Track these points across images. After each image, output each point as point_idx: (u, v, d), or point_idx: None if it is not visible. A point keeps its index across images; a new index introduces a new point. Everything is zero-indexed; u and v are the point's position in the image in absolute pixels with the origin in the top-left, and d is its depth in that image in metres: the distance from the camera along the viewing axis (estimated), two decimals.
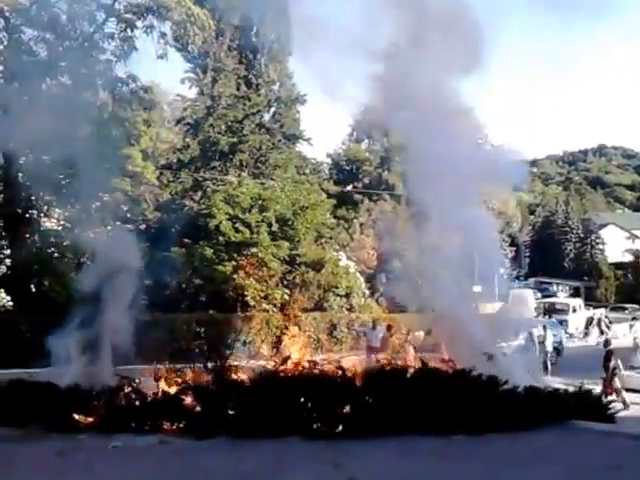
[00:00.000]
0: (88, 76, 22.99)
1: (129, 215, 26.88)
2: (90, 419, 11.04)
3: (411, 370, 12.15)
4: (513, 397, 11.14)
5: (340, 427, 10.27)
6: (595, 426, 11.19)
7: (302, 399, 10.59)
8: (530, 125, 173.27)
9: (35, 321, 20.74)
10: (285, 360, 13.45)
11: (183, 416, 10.92)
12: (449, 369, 12.80)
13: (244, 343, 24.50)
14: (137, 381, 12.56)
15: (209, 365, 12.52)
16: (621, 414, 12.89)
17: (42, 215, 23.62)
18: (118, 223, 27.18)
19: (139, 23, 23.03)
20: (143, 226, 26.51)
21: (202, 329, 24.72)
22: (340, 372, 11.92)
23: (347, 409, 10.65)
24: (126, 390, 11.77)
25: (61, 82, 23.22)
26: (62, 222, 24.02)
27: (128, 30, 22.92)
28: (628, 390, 17.80)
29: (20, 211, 22.65)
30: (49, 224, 23.99)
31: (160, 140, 31.25)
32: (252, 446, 9.53)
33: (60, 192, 22.31)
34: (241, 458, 8.99)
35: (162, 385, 12.26)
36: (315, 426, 10.31)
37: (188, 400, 11.21)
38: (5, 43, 21.77)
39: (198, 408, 10.98)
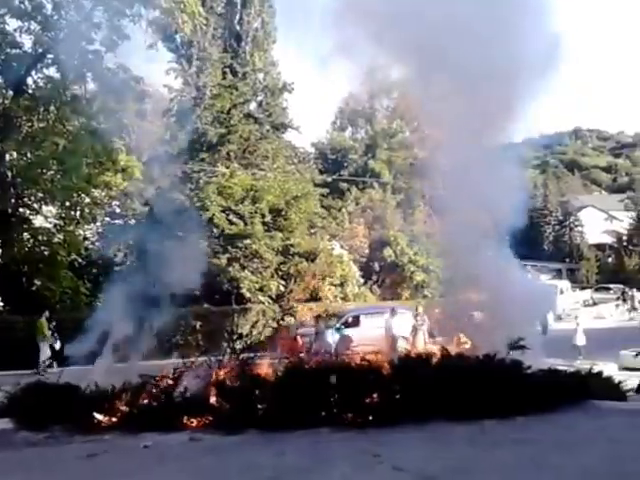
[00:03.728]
0: (76, 67, 22.45)
1: (119, 210, 26.41)
2: (113, 419, 10.76)
3: (436, 357, 12.03)
4: (535, 380, 10.86)
5: (370, 417, 10.00)
6: (615, 405, 11.10)
7: (329, 390, 10.27)
8: None
9: (29, 320, 20.40)
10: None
11: (210, 413, 10.57)
12: (471, 354, 12.69)
13: (241, 336, 24.19)
14: (157, 378, 12.37)
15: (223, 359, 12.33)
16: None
17: (32, 213, 23.06)
18: (107, 219, 26.80)
19: (127, 11, 22.34)
20: (133, 221, 25.96)
21: (198, 322, 24.54)
22: (365, 362, 11.75)
23: (375, 398, 10.32)
24: (149, 388, 11.40)
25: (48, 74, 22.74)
26: (52, 220, 23.48)
27: (115, 19, 22.30)
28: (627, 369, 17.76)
29: (10, 210, 22.10)
30: (38, 222, 23.39)
31: (142, 132, 30.52)
32: (285, 439, 9.29)
33: (50, 189, 21.89)
34: (278, 452, 8.66)
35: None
36: (344, 417, 10.04)
37: (213, 396, 10.83)
38: None
39: (224, 404, 10.60)
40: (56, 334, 18.96)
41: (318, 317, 22.77)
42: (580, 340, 21.31)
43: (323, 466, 7.99)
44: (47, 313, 19.53)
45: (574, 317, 30.75)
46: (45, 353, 18.14)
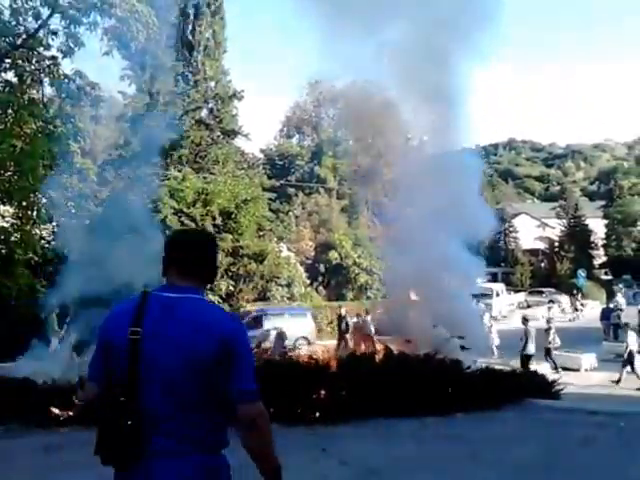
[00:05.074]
0: (34, 72, 23.05)
1: (74, 211, 26.91)
2: (70, 413, 10.59)
3: (380, 356, 12.81)
4: (474, 379, 11.72)
5: (317, 413, 10.34)
6: (549, 403, 11.85)
7: (279, 387, 10.30)
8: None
9: None
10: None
11: None
12: (412, 352, 13.46)
13: None
14: None
15: None
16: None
17: None
18: (63, 219, 27.26)
19: (84, 19, 22.98)
20: (87, 221, 26.52)
21: None
22: (313, 361, 12.09)
23: (322, 395, 10.69)
24: None
25: (6, 78, 23.17)
26: (10, 219, 23.81)
27: (72, 27, 22.91)
28: (565, 369, 18.74)
29: None
30: None
31: (97, 136, 31.15)
32: (234, 434, 9.68)
33: (8, 189, 22.26)
34: (229, 448, 9.20)
35: None
36: (293, 412, 10.22)
37: None
38: None
39: None
40: (69, 328, 19.18)
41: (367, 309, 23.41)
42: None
43: None
44: (57, 310, 19.71)
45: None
46: (54, 345, 18.41)
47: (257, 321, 23.86)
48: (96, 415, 2.66)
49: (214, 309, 2.84)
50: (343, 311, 24.25)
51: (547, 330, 20.06)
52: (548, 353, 19.70)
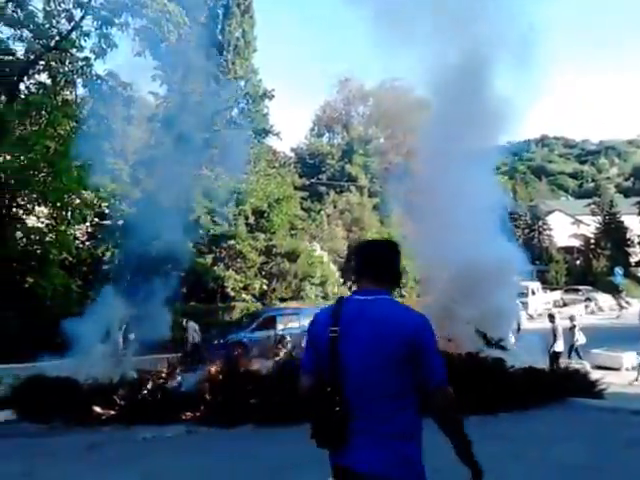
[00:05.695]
0: (67, 74, 23.25)
1: (107, 211, 27.11)
2: (111, 412, 11.07)
3: None
4: (516, 377, 11.56)
5: None
6: (593, 402, 11.60)
7: None
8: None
9: (22, 316, 21.06)
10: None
11: (204, 406, 11.03)
12: (454, 351, 13.19)
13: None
14: (153, 373, 12.83)
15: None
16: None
17: (26, 213, 23.65)
18: (97, 219, 27.49)
19: (116, 20, 23.14)
20: (121, 221, 26.66)
21: (184, 319, 25.31)
22: None
23: None
24: (147, 383, 11.91)
25: (40, 80, 23.42)
26: (44, 220, 24.07)
27: (104, 28, 23.06)
28: (605, 368, 18.13)
29: (4, 210, 22.70)
30: (31, 222, 23.96)
31: (128, 137, 31.28)
32: (281, 432, 9.52)
33: (42, 190, 22.48)
34: (278, 442, 9.07)
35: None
36: None
37: (206, 391, 11.32)
38: None
39: (217, 398, 11.07)
40: (131, 326, 19.27)
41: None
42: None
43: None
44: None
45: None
46: (117, 344, 18.49)
47: (270, 322, 22.79)
48: (311, 405, 3.06)
49: (401, 307, 3.12)
50: None
51: (571, 328, 19.69)
52: (573, 350, 19.34)
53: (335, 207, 41.76)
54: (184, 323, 20.49)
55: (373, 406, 2.93)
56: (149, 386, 11.82)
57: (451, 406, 3.05)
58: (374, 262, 3.20)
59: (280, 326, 21.80)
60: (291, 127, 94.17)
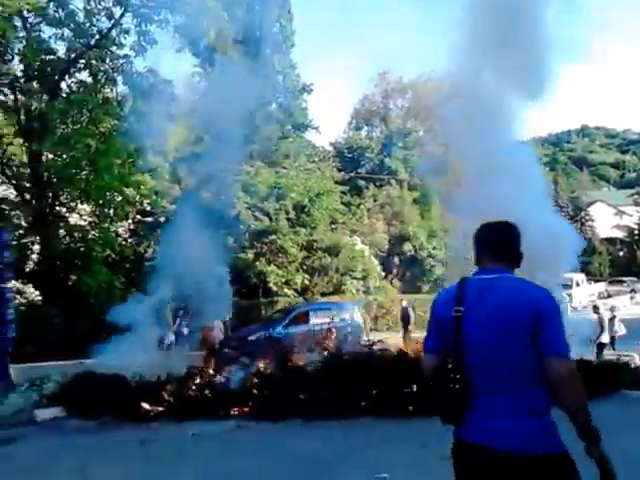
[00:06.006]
0: (107, 72, 23.37)
1: (149, 208, 27.26)
2: (160, 408, 11.02)
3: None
4: None
5: (410, 407, 9.95)
6: None
7: (368, 380, 10.45)
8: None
9: (67, 313, 21.28)
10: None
11: (252, 401, 10.95)
12: None
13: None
14: (200, 369, 12.73)
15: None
16: None
17: (68, 211, 23.89)
18: (139, 216, 27.68)
19: (155, 17, 23.16)
20: (162, 218, 26.82)
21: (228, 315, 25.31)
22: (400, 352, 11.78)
23: (414, 388, 10.23)
24: (195, 379, 11.83)
25: (80, 78, 23.59)
26: (87, 217, 24.30)
27: (143, 25, 23.11)
28: None
29: (47, 208, 22.96)
30: (74, 220, 24.21)
31: (168, 134, 31.37)
32: (330, 426, 9.51)
33: (84, 188, 22.66)
34: (329, 437, 8.98)
35: None
36: (385, 406, 10.08)
37: (254, 386, 11.22)
38: (24, 42, 21.89)
39: (265, 393, 10.98)
40: (183, 321, 19.30)
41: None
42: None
43: (376, 451, 7.96)
44: (172, 303, 19.55)
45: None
46: (169, 338, 18.56)
47: (303, 317, 22.37)
48: (435, 383, 3.07)
49: (523, 282, 3.10)
50: (404, 303, 23.97)
51: (611, 319, 19.20)
52: (612, 342, 18.84)
53: (375, 201, 41.42)
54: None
55: (503, 384, 2.95)
56: (197, 382, 11.73)
57: (572, 378, 2.94)
58: (494, 242, 3.25)
59: (315, 320, 21.55)
60: (330, 121, 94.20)
